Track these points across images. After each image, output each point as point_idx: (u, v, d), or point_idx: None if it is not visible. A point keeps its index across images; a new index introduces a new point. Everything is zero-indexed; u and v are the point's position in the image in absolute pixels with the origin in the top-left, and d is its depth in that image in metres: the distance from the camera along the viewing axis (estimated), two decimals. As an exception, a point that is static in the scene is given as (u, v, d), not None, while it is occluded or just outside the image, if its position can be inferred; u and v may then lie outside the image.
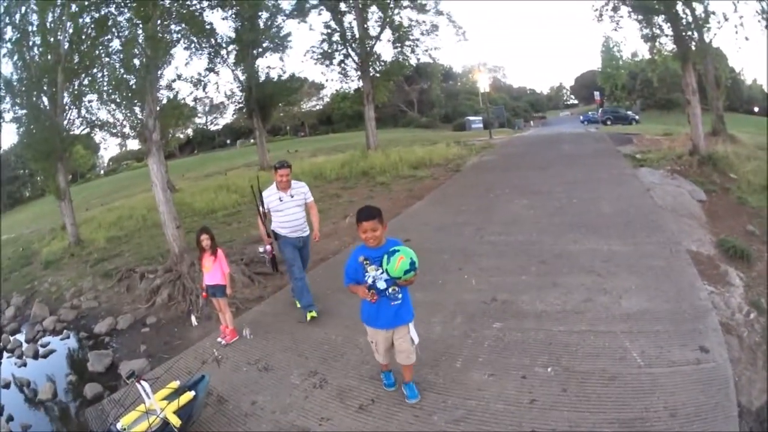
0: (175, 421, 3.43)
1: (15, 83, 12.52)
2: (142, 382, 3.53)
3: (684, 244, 6.20)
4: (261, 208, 5.48)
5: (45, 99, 12.35)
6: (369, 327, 3.64)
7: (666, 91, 43.66)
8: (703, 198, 9.04)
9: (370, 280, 3.43)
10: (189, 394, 3.71)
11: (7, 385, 6.16)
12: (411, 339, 3.54)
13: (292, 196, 5.41)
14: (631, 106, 44.88)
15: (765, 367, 3.88)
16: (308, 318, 5.32)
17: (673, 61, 13.65)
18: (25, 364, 6.82)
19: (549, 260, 6.16)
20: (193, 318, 6.29)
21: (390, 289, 3.43)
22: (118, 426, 3.39)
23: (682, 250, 5.96)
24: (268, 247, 5.58)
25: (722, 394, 3.32)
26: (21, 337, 7.90)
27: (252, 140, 34.82)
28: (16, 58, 12.39)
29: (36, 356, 6.99)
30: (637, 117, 39.73)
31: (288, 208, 5.38)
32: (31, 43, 12.32)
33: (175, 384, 3.89)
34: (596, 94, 41.98)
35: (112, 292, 8.17)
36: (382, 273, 3.38)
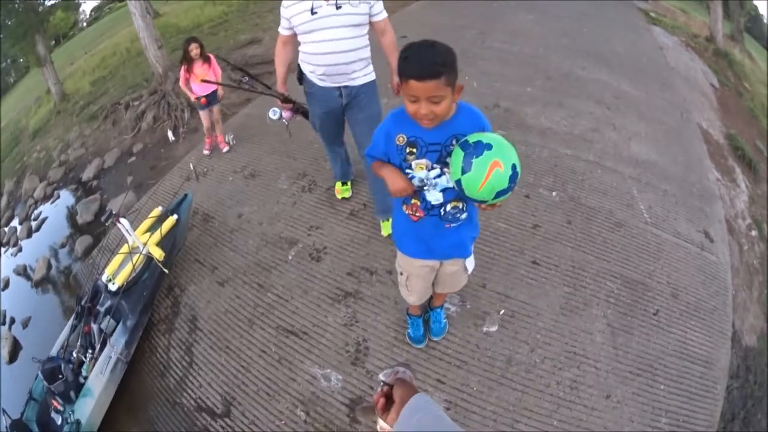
0: (158, 254, 3.16)
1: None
2: (121, 220, 3.19)
3: (695, 116, 5.68)
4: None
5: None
6: (402, 254, 2.12)
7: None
8: (715, 84, 8.11)
9: (415, 183, 1.76)
10: (171, 219, 3.42)
11: (7, 284, 5.62)
12: (465, 268, 2.20)
13: (338, 7, 2.57)
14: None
15: (760, 300, 3.74)
16: (339, 195, 3.76)
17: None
18: (20, 249, 6.27)
19: (556, 78, 5.75)
20: (169, 133, 5.93)
21: (449, 206, 1.80)
22: (104, 278, 3.16)
23: (693, 120, 5.55)
24: (285, 113, 3.15)
25: (720, 301, 3.19)
26: (15, 222, 7.14)
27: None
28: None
29: (30, 234, 6.44)
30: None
31: (327, 28, 2.61)
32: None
33: (158, 211, 3.57)
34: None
35: (99, 132, 7.69)
36: (439, 176, 1.72)
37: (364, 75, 2.84)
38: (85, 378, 2.80)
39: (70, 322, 3.19)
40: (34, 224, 6.57)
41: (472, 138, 1.57)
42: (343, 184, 3.75)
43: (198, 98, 4.68)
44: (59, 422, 2.74)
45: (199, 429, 2.65)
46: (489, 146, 1.52)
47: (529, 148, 4.21)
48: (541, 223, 3.40)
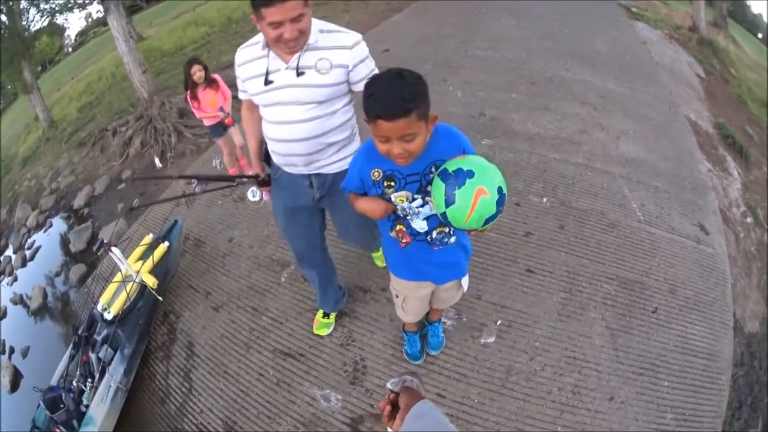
0: (152, 281, 3.15)
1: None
2: (113, 249, 3.18)
3: (682, 109, 5.66)
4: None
5: (3, 17, 11.44)
6: (396, 277, 2.03)
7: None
8: (701, 74, 8.10)
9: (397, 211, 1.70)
10: (163, 246, 3.43)
11: (5, 314, 5.62)
12: (460, 285, 2.09)
13: (300, 73, 1.77)
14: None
15: (760, 285, 3.70)
16: (315, 329, 2.91)
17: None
18: (16, 278, 6.27)
19: (540, 82, 5.77)
20: (156, 159, 5.89)
21: (435, 232, 1.71)
22: (99, 307, 3.16)
23: (680, 113, 5.52)
24: (266, 195, 2.40)
25: (720, 292, 3.16)
26: (9, 251, 7.17)
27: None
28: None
29: (25, 263, 6.44)
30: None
31: (283, 104, 1.85)
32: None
33: (149, 238, 3.58)
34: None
35: (88, 159, 7.69)
36: (422, 205, 1.62)
37: (340, 159, 2.04)
38: (87, 407, 2.78)
39: (68, 352, 3.16)
40: (28, 253, 6.56)
41: (451, 166, 1.43)
42: (325, 315, 2.87)
43: (222, 120, 4.25)
44: (65, 451, 2.72)
45: (201, 457, 2.62)
46: (470, 173, 1.39)
47: (517, 155, 4.20)
48: (533, 230, 3.38)
